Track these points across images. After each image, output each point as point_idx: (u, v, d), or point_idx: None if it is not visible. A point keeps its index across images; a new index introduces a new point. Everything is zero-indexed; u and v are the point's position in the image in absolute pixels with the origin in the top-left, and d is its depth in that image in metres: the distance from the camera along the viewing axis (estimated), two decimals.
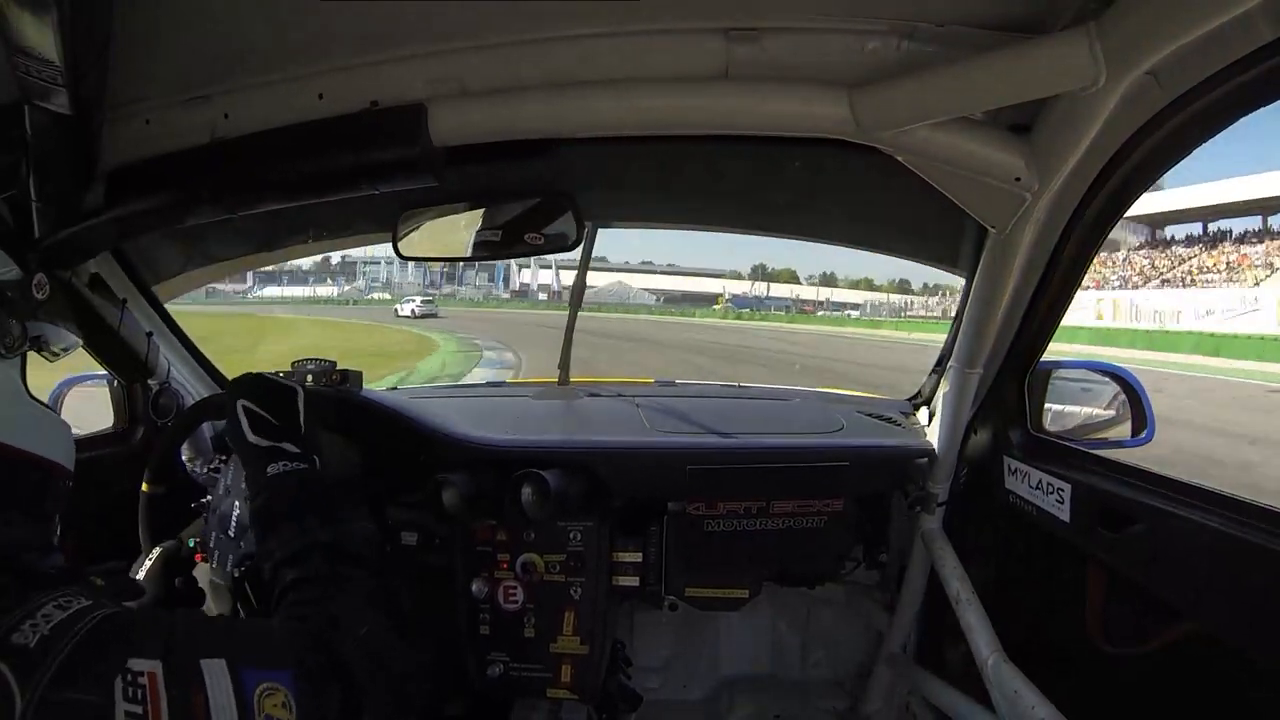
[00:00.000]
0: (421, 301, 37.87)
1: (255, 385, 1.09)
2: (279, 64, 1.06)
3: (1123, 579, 1.16)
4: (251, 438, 1.01)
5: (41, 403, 0.86)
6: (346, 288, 64.82)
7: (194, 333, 1.76)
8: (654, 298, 63.04)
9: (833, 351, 21.90)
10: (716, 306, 53.07)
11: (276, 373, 1.50)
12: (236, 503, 1.25)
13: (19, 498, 0.75)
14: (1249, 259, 32.45)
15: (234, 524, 1.24)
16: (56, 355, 0.97)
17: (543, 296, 58.29)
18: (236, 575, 1.16)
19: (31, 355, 0.90)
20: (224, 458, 1.39)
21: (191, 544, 1.30)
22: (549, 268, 56.07)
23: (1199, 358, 19.30)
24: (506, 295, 61.53)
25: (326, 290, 63.04)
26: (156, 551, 1.23)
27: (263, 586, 1.07)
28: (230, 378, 1.36)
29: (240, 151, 1.11)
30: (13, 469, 0.75)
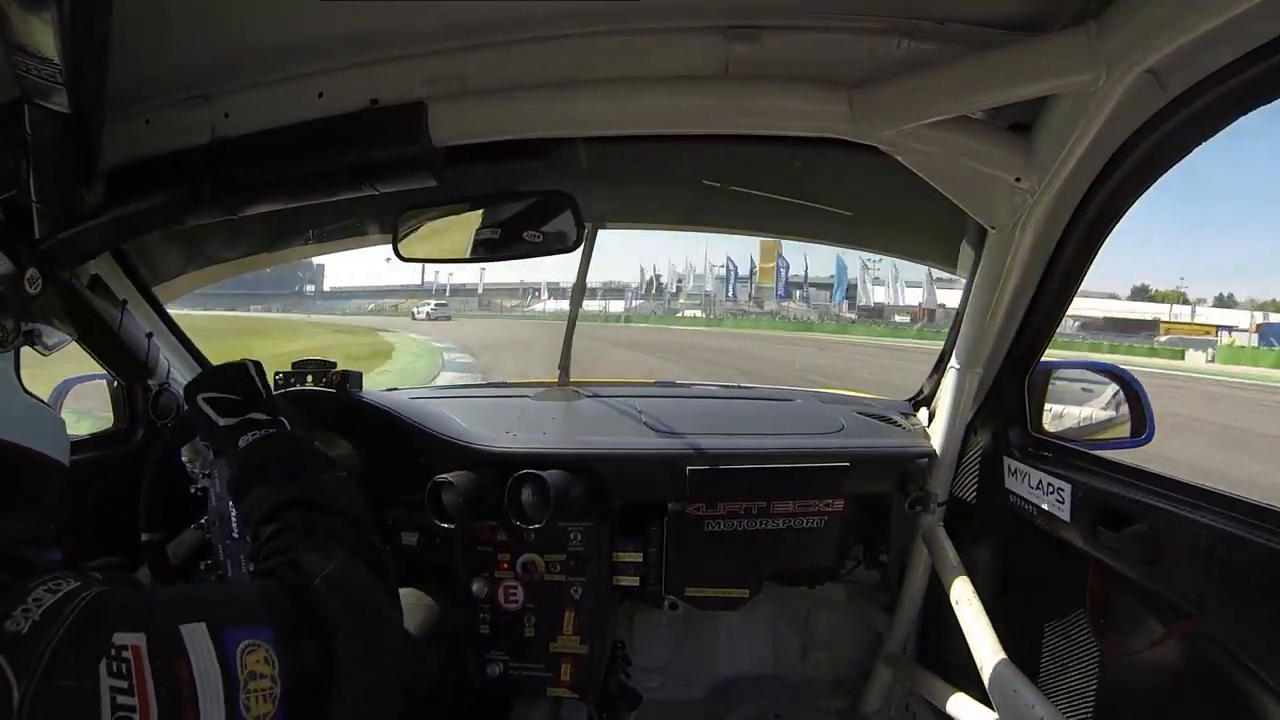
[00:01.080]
0: (435, 305, 42.28)
1: (206, 377, 1.10)
2: (279, 63, 1.06)
3: (1123, 579, 1.16)
4: (221, 422, 1.00)
5: (36, 397, 0.86)
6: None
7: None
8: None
9: None
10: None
11: (278, 374, 1.51)
12: (232, 501, 1.25)
13: (13, 492, 0.74)
14: None
15: (234, 524, 1.24)
16: (51, 349, 0.97)
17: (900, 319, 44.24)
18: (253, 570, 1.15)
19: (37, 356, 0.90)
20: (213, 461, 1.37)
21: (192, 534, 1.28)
22: (917, 286, 44.98)
23: None
24: (851, 316, 47.26)
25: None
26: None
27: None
28: None
29: (240, 151, 1.11)
30: (7, 464, 0.74)
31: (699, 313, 50.40)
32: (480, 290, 68.07)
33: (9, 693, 0.52)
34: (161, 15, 0.91)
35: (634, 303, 56.99)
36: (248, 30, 0.98)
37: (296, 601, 0.70)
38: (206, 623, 0.62)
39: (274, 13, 0.95)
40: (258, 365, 1.09)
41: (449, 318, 39.62)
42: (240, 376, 1.06)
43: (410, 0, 0.93)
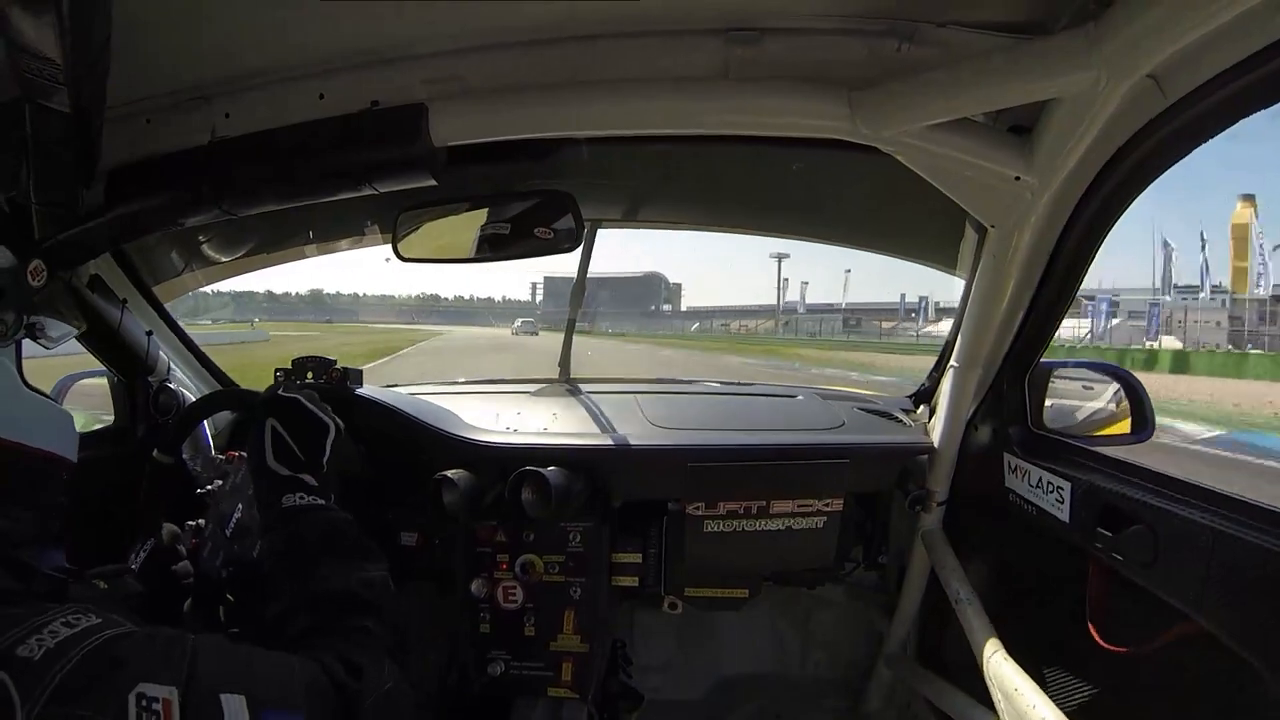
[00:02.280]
0: (522, 322, 50.19)
1: (291, 409, 1.07)
2: (279, 64, 1.06)
3: (1123, 578, 1.16)
4: (272, 462, 0.99)
5: (41, 392, 0.85)
6: None
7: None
8: None
9: None
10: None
11: (278, 371, 1.51)
12: (240, 504, 1.25)
13: (13, 491, 0.74)
14: None
15: (233, 524, 1.24)
16: (55, 342, 0.96)
17: None
18: (224, 575, 1.15)
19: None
20: (228, 456, 1.38)
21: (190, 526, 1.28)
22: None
23: None
24: None
25: None
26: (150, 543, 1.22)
27: (248, 591, 1.06)
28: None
29: (240, 152, 1.11)
30: (7, 463, 0.74)
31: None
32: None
33: (11, 712, 0.52)
34: (162, 16, 0.91)
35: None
36: (248, 31, 0.98)
37: (341, 703, 0.71)
38: (247, 697, 0.63)
39: (274, 14, 0.95)
40: (339, 430, 1.08)
41: (535, 333, 43.91)
42: (316, 434, 1.05)
43: (410, 2, 0.93)
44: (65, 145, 0.95)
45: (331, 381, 1.50)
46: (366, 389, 1.56)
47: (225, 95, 1.10)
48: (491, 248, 1.37)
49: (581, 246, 1.47)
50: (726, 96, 1.02)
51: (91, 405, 1.72)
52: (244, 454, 1.23)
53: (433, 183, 1.11)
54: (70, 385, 1.67)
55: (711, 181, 1.67)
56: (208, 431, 1.52)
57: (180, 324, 1.72)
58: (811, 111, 1.01)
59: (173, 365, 1.63)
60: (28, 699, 0.53)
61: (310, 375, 1.49)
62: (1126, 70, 0.82)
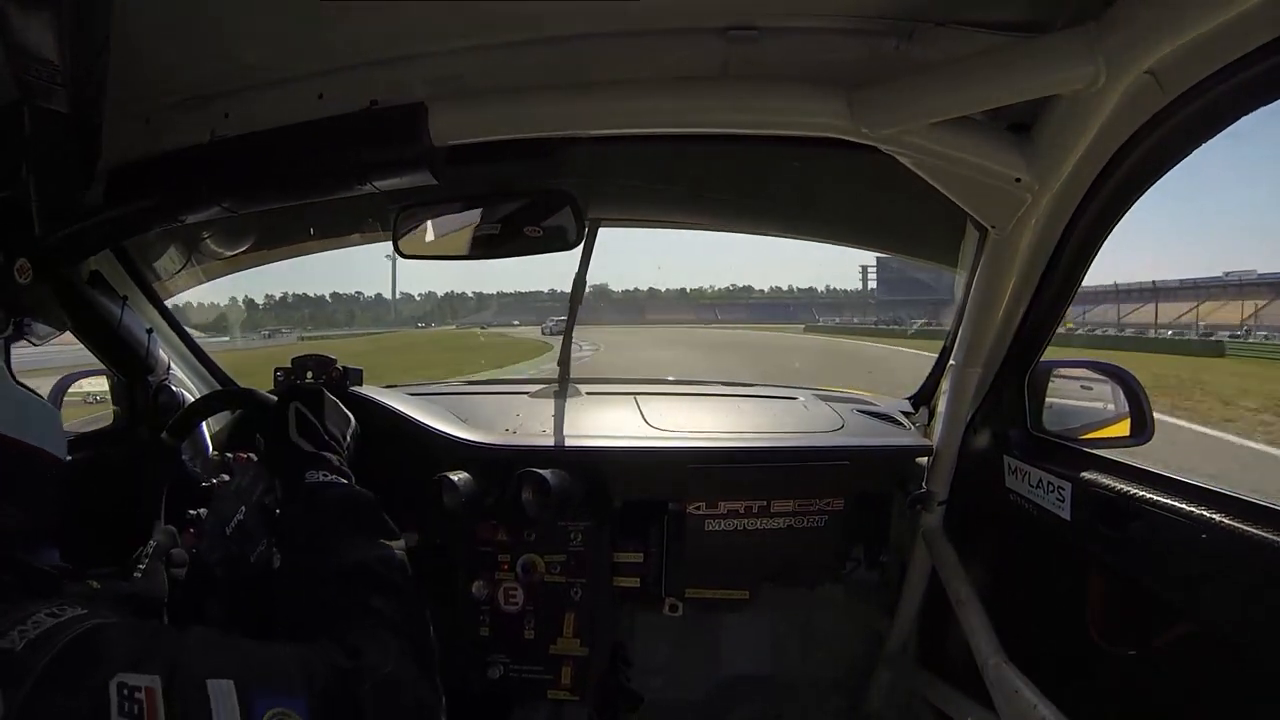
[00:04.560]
0: (555, 321, 48.49)
1: (315, 397, 1.08)
2: (279, 64, 1.06)
3: (1123, 578, 1.16)
4: (295, 436, 0.99)
5: (28, 389, 0.85)
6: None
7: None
8: None
9: None
10: None
11: (278, 370, 1.51)
12: (243, 508, 1.23)
13: (3, 487, 0.73)
14: None
15: (233, 525, 1.23)
16: (42, 341, 0.96)
17: None
18: (218, 573, 1.14)
19: None
20: (236, 457, 1.37)
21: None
22: None
23: None
24: None
25: None
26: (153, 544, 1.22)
27: (243, 588, 1.05)
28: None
29: (240, 151, 1.11)
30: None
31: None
32: None
33: None
34: (161, 17, 0.91)
35: None
36: (247, 31, 0.98)
37: (341, 687, 0.68)
38: (236, 681, 0.60)
39: (274, 14, 0.95)
40: (357, 428, 1.10)
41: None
42: (339, 420, 1.06)
43: (410, 1, 0.93)
44: (65, 145, 0.95)
45: (332, 381, 1.50)
46: (367, 389, 1.56)
47: (224, 95, 1.10)
48: (492, 246, 1.38)
49: (582, 245, 1.46)
50: (726, 95, 1.02)
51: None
52: (252, 455, 1.22)
53: (433, 181, 1.11)
54: (69, 384, 1.67)
55: (712, 181, 1.67)
56: (206, 432, 1.52)
57: (181, 323, 1.72)
58: (810, 110, 1.01)
59: (172, 365, 1.63)
60: (11, 688, 0.52)
61: (310, 375, 1.49)
62: (1126, 67, 0.82)
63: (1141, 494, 1.09)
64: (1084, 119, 0.92)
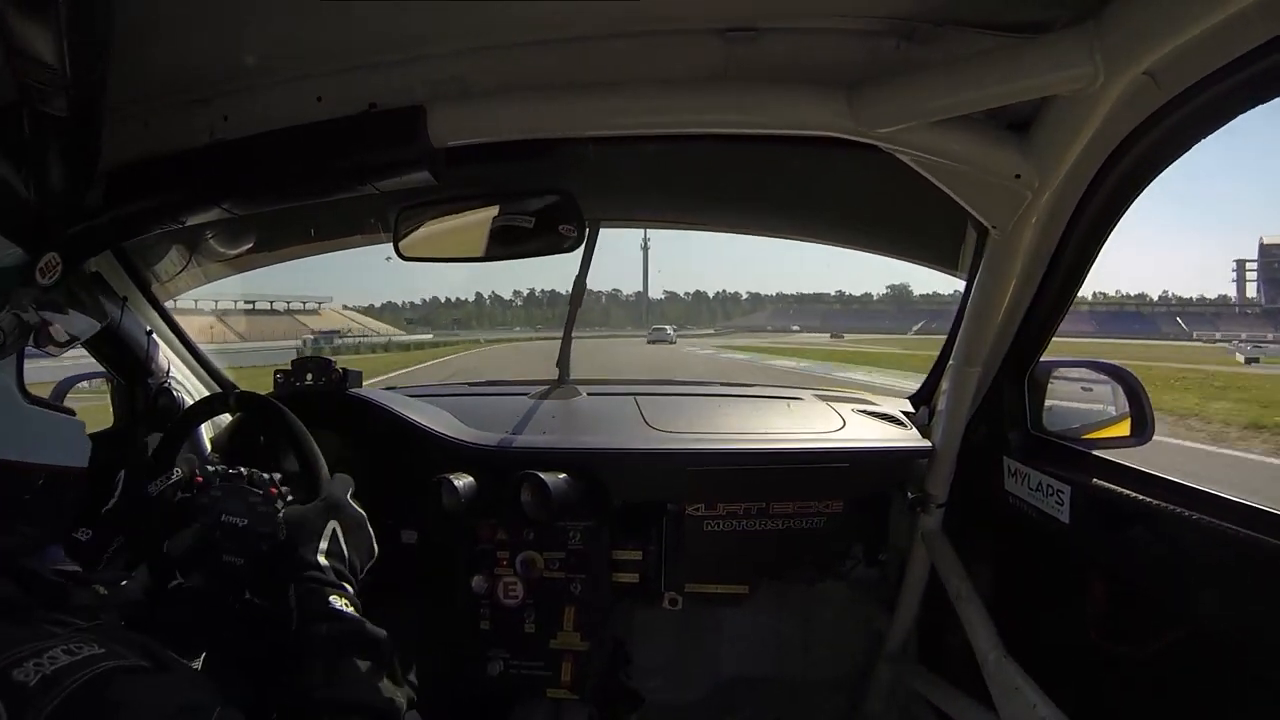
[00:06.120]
0: (653, 330, 50.09)
1: (357, 522, 1.04)
2: (278, 66, 1.06)
3: (1122, 578, 1.16)
4: (321, 557, 0.95)
5: (43, 402, 0.84)
6: None
7: None
8: None
9: None
10: None
11: (278, 373, 1.51)
12: (247, 519, 1.21)
13: (18, 509, 0.73)
14: None
15: (225, 521, 1.21)
16: (61, 348, 0.91)
17: None
18: (190, 544, 1.08)
19: None
20: (269, 492, 1.34)
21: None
22: None
23: None
24: None
25: None
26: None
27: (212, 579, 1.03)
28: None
29: (239, 153, 1.11)
30: (8, 482, 0.73)
31: None
32: None
33: None
34: (161, 19, 0.91)
35: None
36: (246, 34, 0.98)
37: None
38: None
39: (272, 16, 0.95)
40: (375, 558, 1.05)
41: (672, 341, 43.07)
42: (364, 551, 1.02)
43: (409, 1, 0.93)
44: (64, 148, 0.95)
45: (332, 383, 1.50)
46: (366, 391, 1.56)
47: (224, 98, 1.10)
48: (492, 247, 1.38)
49: (582, 246, 1.46)
50: (726, 95, 1.02)
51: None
52: (285, 489, 1.19)
53: (434, 182, 1.11)
54: (69, 387, 1.67)
55: (712, 181, 1.67)
56: (204, 436, 1.52)
57: (180, 325, 1.72)
58: (811, 110, 1.01)
59: (172, 367, 1.63)
60: None
61: (310, 377, 1.49)
62: (1124, 67, 0.82)
63: (1140, 498, 1.09)
64: (1082, 118, 0.92)
